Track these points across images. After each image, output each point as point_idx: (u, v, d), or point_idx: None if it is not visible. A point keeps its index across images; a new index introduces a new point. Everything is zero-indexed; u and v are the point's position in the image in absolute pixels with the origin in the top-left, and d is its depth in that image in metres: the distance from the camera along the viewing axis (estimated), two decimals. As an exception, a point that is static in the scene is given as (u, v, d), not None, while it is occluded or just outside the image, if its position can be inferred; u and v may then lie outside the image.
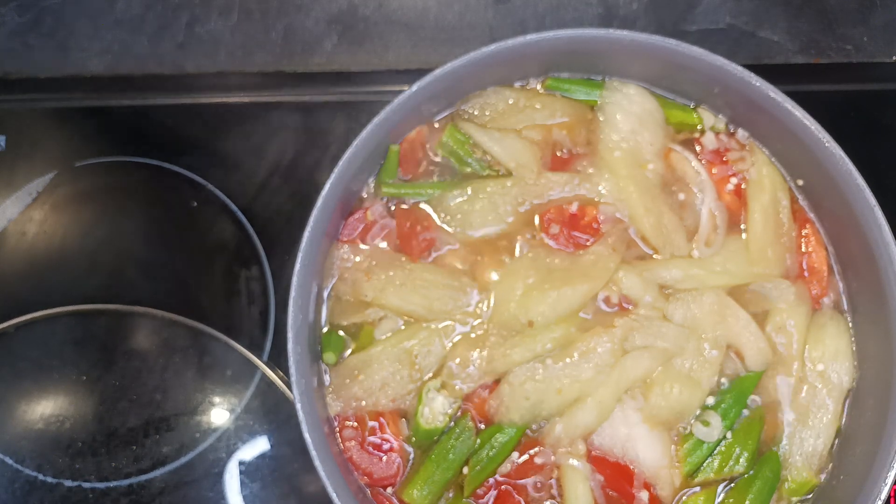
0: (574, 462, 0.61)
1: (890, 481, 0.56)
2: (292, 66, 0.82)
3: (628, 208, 0.65)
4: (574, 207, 0.66)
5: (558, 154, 0.68)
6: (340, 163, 0.61)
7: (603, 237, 0.65)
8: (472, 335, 0.63)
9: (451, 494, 0.62)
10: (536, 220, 0.66)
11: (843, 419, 0.63)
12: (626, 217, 0.66)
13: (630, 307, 0.63)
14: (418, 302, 0.63)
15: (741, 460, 0.62)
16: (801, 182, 0.67)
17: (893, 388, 0.59)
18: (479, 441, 0.62)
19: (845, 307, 0.66)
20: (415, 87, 0.63)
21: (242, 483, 0.71)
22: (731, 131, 0.69)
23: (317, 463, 0.56)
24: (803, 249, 0.67)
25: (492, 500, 0.61)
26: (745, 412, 0.63)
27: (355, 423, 0.62)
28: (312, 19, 0.83)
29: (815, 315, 0.65)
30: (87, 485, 0.71)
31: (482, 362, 0.62)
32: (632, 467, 0.61)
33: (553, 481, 0.62)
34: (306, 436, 0.56)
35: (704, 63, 0.64)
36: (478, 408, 0.62)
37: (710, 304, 0.63)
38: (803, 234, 0.67)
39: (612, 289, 0.63)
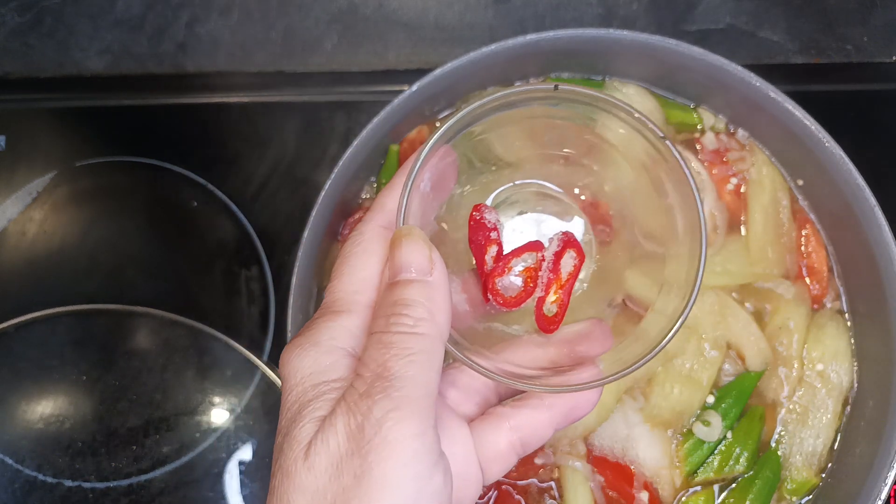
0: (574, 463, 0.61)
1: (890, 481, 0.56)
2: (292, 66, 0.82)
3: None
4: (574, 207, 0.66)
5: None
6: (340, 163, 0.61)
7: (603, 237, 0.65)
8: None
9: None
10: (536, 219, 0.66)
11: (843, 419, 0.63)
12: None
13: (633, 306, 0.63)
14: (418, 302, 0.63)
15: (741, 460, 0.62)
16: (801, 182, 0.67)
17: (893, 387, 0.59)
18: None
19: (845, 307, 0.66)
20: (415, 87, 0.63)
21: (242, 483, 0.71)
22: (731, 131, 0.69)
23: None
24: (803, 249, 0.67)
25: (492, 500, 0.61)
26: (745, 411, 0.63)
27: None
28: (312, 19, 0.83)
29: (814, 315, 0.65)
30: (87, 485, 0.71)
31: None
32: (632, 468, 0.61)
33: (553, 482, 0.62)
34: (306, 436, 0.56)
35: (704, 63, 0.64)
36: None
37: (711, 305, 0.63)
38: (803, 234, 0.67)
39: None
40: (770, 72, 0.64)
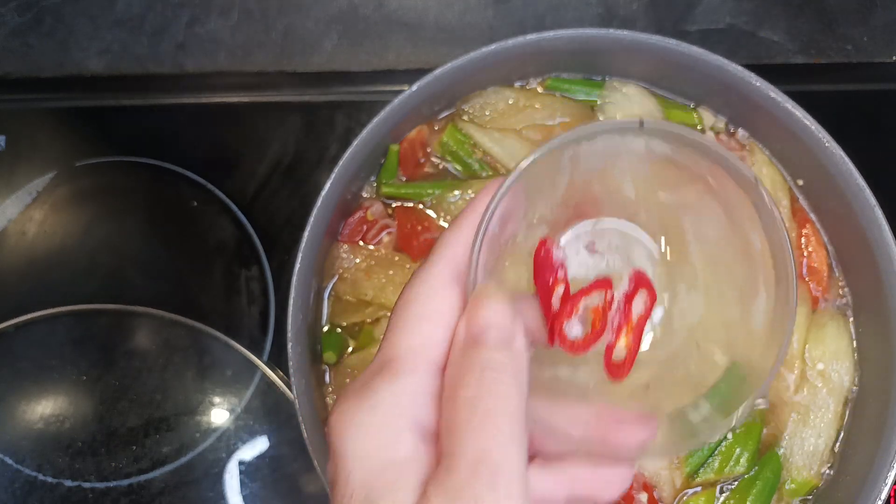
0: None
1: (890, 481, 0.56)
2: (292, 65, 0.82)
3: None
4: (574, 207, 0.66)
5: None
6: (340, 163, 0.61)
7: (603, 237, 0.65)
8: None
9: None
10: (537, 219, 0.66)
11: (844, 419, 0.63)
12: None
13: None
14: (418, 302, 0.63)
15: (741, 461, 0.62)
16: (801, 182, 0.67)
17: (893, 387, 0.59)
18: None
19: (846, 307, 0.66)
20: (415, 87, 0.63)
21: (242, 483, 0.71)
22: (731, 131, 0.69)
23: (316, 463, 0.56)
24: (803, 250, 0.67)
25: (492, 500, 0.61)
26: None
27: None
28: (312, 19, 0.83)
29: (815, 315, 0.65)
30: (87, 485, 0.71)
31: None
32: (632, 467, 0.61)
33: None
34: (306, 436, 0.56)
35: (704, 63, 0.64)
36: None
37: (711, 304, 0.63)
38: (803, 234, 0.67)
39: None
40: (770, 72, 0.64)
